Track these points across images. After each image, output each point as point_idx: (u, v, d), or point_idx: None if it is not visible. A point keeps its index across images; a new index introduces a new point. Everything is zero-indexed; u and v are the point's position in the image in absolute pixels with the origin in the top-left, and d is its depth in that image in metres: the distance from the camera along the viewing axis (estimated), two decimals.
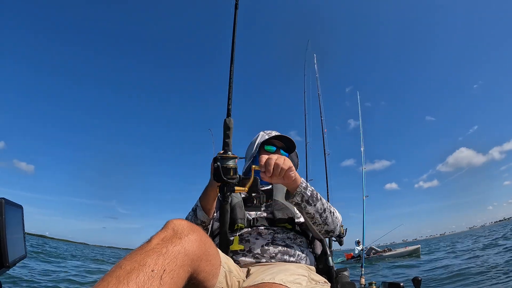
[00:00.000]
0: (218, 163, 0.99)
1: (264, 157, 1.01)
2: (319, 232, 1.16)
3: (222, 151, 1.04)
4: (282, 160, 0.99)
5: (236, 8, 1.31)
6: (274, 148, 1.39)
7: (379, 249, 15.73)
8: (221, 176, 0.98)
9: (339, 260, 17.97)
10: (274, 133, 1.43)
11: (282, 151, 1.41)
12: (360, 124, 5.01)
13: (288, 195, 1.09)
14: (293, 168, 1.01)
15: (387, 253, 14.90)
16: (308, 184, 1.09)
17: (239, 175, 1.02)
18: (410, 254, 14.17)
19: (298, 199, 1.05)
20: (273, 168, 0.98)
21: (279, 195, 1.23)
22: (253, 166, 1.06)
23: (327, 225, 1.12)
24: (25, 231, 0.94)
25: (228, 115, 1.12)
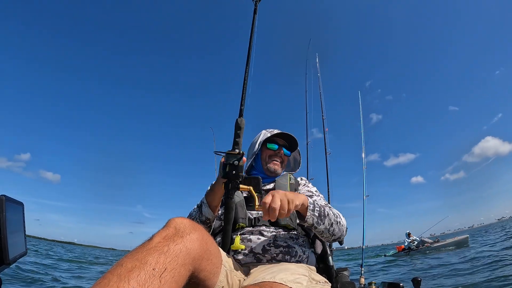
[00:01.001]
0: (226, 159, 1.03)
1: (264, 202, 0.93)
2: (327, 241, 1.18)
3: (231, 149, 1.06)
4: (277, 201, 0.91)
5: (255, 13, 1.34)
6: (276, 146, 1.39)
7: (430, 240, 15.83)
8: (226, 172, 1.01)
9: (390, 252, 17.99)
10: (276, 131, 1.43)
11: (284, 149, 1.41)
12: (361, 123, 5.00)
13: (300, 218, 1.07)
14: (292, 198, 0.96)
15: (436, 244, 14.97)
16: (314, 203, 1.07)
17: (243, 174, 1.03)
18: (459, 244, 14.28)
19: (309, 221, 1.05)
20: (273, 210, 0.91)
21: None
22: (256, 206, 1.01)
23: (334, 235, 1.14)
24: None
25: (241, 115, 1.14)
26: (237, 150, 1.05)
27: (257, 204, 0.98)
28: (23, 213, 0.91)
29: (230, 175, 1.01)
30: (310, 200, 1.07)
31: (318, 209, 1.08)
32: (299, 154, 1.55)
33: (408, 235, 16.30)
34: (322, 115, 3.95)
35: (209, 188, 1.33)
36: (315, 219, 1.05)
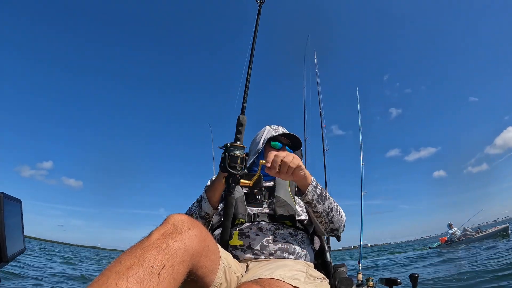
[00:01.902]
0: (226, 151, 1.02)
1: (272, 154, 1.00)
2: (325, 230, 1.18)
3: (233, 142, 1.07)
4: (291, 158, 0.98)
5: (258, 13, 1.35)
6: (280, 145, 1.39)
7: (472, 231, 16.00)
8: (226, 165, 1.00)
9: (435, 245, 18.18)
10: (280, 129, 1.42)
11: (287, 148, 1.41)
12: (359, 121, 4.98)
13: (300, 193, 1.10)
14: (303, 166, 1.01)
15: (477, 235, 15.10)
16: (317, 182, 1.11)
17: (245, 171, 1.03)
18: (499, 234, 14.46)
19: (309, 197, 1.07)
20: (280, 166, 0.98)
21: (281, 192, 1.23)
22: (261, 161, 1.05)
23: (333, 223, 1.14)
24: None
25: (242, 112, 1.16)
26: (239, 143, 1.06)
27: (263, 161, 1.01)
28: (21, 211, 0.91)
29: (231, 167, 1.00)
30: (313, 178, 1.10)
31: (320, 188, 1.10)
32: (302, 154, 1.55)
33: (450, 226, 16.52)
34: (320, 111, 3.94)
35: (209, 183, 1.33)
36: (315, 196, 1.07)
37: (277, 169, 0.98)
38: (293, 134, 1.40)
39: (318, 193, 1.08)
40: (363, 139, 4.85)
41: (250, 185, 1.04)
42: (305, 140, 3.91)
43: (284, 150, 1.39)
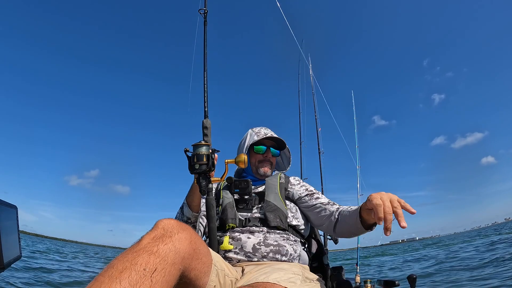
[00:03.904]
0: (190, 151, 1.03)
1: (377, 201, 0.80)
2: (339, 236, 1.22)
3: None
4: (389, 197, 0.80)
5: (205, 25, 1.44)
6: (264, 148, 1.38)
7: None
8: (192, 165, 1.01)
9: None
10: (263, 131, 1.41)
11: (272, 150, 1.41)
12: (355, 124, 5.03)
13: (366, 225, 1.00)
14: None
15: None
16: None
17: (231, 177, 1.06)
18: None
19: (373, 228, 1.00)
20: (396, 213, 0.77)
21: (271, 196, 1.23)
22: (226, 160, 1.10)
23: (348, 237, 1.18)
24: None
25: (206, 116, 1.21)
26: (202, 141, 1.06)
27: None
28: (17, 216, 0.91)
29: (198, 166, 1.00)
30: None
31: None
32: (289, 152, 1.52)
33: None
34: (315, 115, 3.98)
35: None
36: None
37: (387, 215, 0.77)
38: (275, 136, 1.39)
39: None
40: (359, 143, 4.90)
41: (222, 181, 1.08)
42: (300, 143, 3.94)
43: (268, 153, 1.39)
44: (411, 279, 1.65)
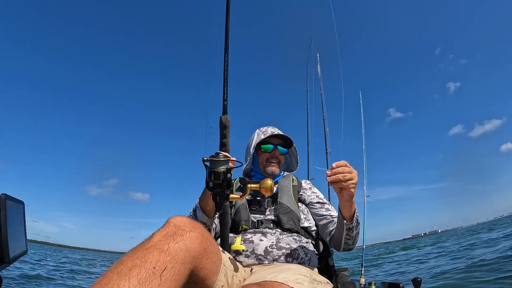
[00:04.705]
0: (209, 169, 0.88)
1: (343, 166, 0.92)
2: (344, 248, 1.17)
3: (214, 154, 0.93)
4: (352, 176, 0.91)
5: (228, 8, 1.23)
6: (271, 146, 1.37)
7: None
8: (208, 184, 0.88)
9: None
10: (270, 130, 1.40)
11: (279, 148, 1.39)
12: (362, 125, 5.00)
13: (347, 219, 1.05)
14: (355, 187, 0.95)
15: None
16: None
17: (244, 178, 0.94)
18: None
19: (354, 224, 1.06)
20: (340, 172, 0.89)
21: (284, 198, 1.22)
22: (250, 185, 0.95)
23: (353, 244, 1.16)
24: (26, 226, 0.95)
25: (224, 112, 1.04)
26: (221, 156, 0.90)
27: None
28: (24, 212, 0.92)
29: (215, 186, 0.87)
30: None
31: (357, 214, 1.08)
32: (296, 151, 1.50)
33: None
34: (323, 115, 3.98)
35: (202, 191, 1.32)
36: (354, 223, 1.06)
37: (336, 175, 0.89)
38: (282, 134, 1.37)
39: (357, 218, 1.07)
40: (365, 143, 4.87)
41: (240, 200, 0.94)
42: (308, 144, 3.94)
43: (276, 151, 1.37)
44: (416, 282, 1.64)
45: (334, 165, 0.92)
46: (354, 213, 1.05)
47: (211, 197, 0.92)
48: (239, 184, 0.99)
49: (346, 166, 0.91)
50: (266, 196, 1.23)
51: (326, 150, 3.80)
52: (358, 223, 1.09)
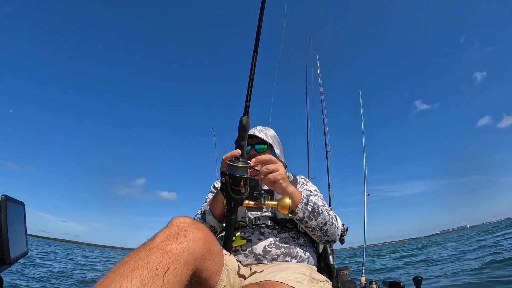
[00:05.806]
0: (227, 174, 0.87)
1: (266, 160, 1.02)
2: (320, 241, 1.16)
3: (234, 158, 0.93)
4: (275, 168, 1.00)
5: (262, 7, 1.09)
6: (249, 148, 1.33)
7: None
8: (228, 190, 0.88)
9: None
10: (252, 131, 1.35)
11: (256, 146, 1.34)
12: (362, 123, 5.00)
13: (291, 212, 1.06)
14: (285, 178, 1.02)
15: None
16: (309, 199, 1.08)
17: (269, 190, 0.96)
18: None
19: (300, 215, 1.05)
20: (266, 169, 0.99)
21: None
22: (267, 202, 1.01)
23: (328, 236, 1.13)
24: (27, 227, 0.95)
25: (246, 113, 1.00)
26: (240, 160, 0.89)
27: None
28: (24, 213, 0.91)
29: (234, 192, 0.87)
30: (304, 194, 1.08)
31: (312, 205, 1.08)
32: (276, 144, 1.43)
33: None
34: (323, 114, 3.99)
35: (212, 188, 1.30)
36: (307, 213, 1.05)
37: (259, 165, 0.99)
38: (255, 134, 1.33)
39: (310, 209, 1.06)
40: (366, 142, 4.87)
41: (254, 206, 0.97)
42: (308, 143, 3.94)
43: (253, 151, 1.33)
44: (417, 281, 1.65)
45: (254, 159, 0.99)
46: (298, 204, 1.04)
47: (225, 202, 0.95)
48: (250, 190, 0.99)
49: (270, 160, 1.00)
50: (263, 192, 1.23)
51: (326, 149, 3.80)
52: (312, 215, 1.07)
